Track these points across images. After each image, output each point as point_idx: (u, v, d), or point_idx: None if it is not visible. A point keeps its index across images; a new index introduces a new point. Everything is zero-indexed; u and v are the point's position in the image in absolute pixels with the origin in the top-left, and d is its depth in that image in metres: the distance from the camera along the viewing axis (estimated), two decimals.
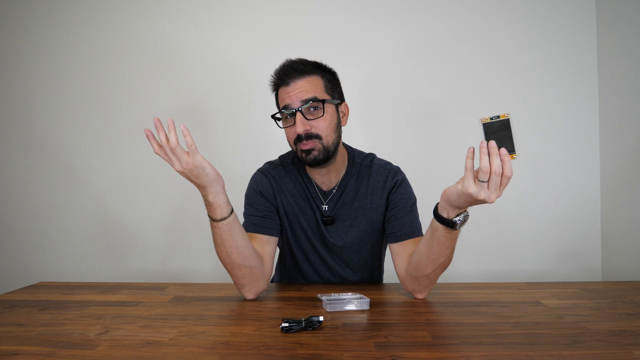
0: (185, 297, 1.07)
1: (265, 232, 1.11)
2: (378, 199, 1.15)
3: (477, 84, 1.95)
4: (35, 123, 2.08)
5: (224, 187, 0.92)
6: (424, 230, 1.12)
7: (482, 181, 0.78)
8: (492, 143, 0.77)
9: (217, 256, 1.00)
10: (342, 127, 1.13)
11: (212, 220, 0.94)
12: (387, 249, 1.21)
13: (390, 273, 1.23)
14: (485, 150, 0.78)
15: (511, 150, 0.77)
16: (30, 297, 1.08)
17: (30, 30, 2.07)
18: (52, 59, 2.07)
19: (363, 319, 0.89)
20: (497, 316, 0.89)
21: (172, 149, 0.83)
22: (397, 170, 1.18)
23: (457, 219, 0.87)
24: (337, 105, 1.10)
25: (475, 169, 0.80)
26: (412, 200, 1.15)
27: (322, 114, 1.04)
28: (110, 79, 2.05)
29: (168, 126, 0.83)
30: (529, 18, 1.94)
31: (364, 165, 1.18)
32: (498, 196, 0.79)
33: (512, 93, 1.94)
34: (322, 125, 1.04)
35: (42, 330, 0.83)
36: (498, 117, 0.78)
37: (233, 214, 0.95)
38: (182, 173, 0.88)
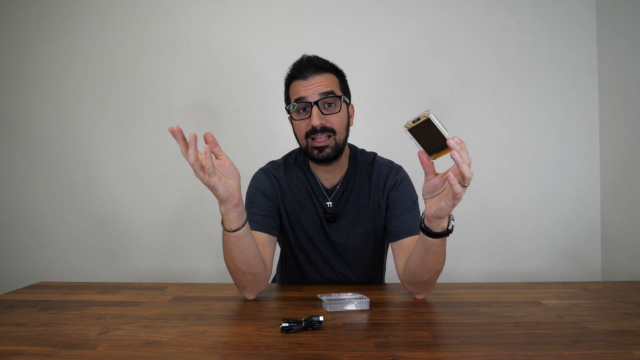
0: (185, 297, 1.07)
1: (267, 230, 1.11)
2: (379, 197, 1.16)
3: (475, 87, 1.95)
4: (36, 123, 2.08)
5: (237, 205, 0.90)
6: None
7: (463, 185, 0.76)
8: (452, 142, 0.73)
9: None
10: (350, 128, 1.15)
11: (223, 228, 0.94)
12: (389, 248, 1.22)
13: (391, 273, 1.23)
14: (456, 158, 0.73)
15: (444, 147, 0.75)
16: (30, 297, 1.08)
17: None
18: (55, 57, 2.07)
19: (363, 319, 0.89)
20: (497, 316, 0.89)
21: (191, 165, 0.81)
22: (398, 169, 1.19)
23: (452, 224, 0.88)
24: (347, 105, 1.12)
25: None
26: (412, 199, 1.15)
27: (338, 109, 1.06)
28: (115, 77, 2.06)
29: (189, 142, 0.79)
30: (530, 17, 1.94)
31: (365, 163, 1.19)
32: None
33: (512, 94, 1.94)
34: (336, 121, 1.06)
35: (42, 330, 0.83)
36: (419, 118, 0.75)
37: (244, 228, 0.93)
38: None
